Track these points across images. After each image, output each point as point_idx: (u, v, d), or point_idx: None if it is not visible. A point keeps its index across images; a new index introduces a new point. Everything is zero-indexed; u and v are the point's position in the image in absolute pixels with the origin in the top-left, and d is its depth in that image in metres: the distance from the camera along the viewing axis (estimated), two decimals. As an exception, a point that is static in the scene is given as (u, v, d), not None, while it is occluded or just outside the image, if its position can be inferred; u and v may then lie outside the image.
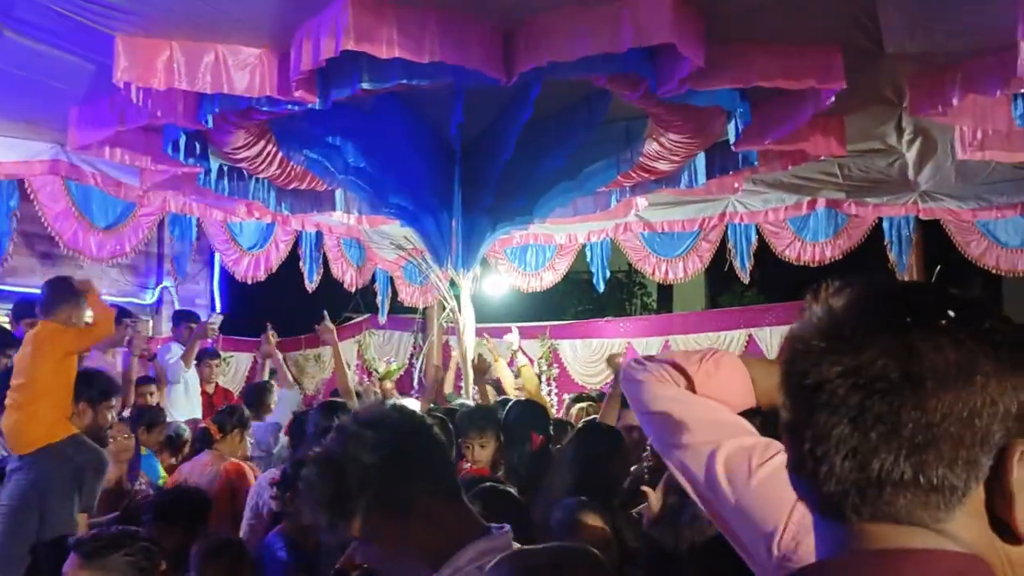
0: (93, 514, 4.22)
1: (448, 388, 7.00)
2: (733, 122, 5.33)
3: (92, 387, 4.34)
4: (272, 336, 6.51)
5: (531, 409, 4.35)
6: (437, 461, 1.71)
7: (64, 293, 4.23)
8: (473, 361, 6.31)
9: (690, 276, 8.85)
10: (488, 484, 2.79)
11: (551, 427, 4.50)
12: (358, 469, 1.59)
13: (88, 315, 4.40)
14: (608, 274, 9.22)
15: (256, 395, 6.15)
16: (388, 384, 7.93)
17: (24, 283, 7.47)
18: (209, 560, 3.36)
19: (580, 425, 3.77)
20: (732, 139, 5.43)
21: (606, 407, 4.48)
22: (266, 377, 6.95)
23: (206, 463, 4.92)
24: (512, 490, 2.85)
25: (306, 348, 10.27)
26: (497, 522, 1.69)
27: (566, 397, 7.69)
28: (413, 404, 7.47)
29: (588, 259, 9.23)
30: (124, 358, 6.74)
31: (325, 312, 6.02)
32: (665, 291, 14.85)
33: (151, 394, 6.38)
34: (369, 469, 1.59)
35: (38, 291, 7.32)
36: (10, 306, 7.16)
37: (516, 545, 1.68)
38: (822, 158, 6.11)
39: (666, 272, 8.78)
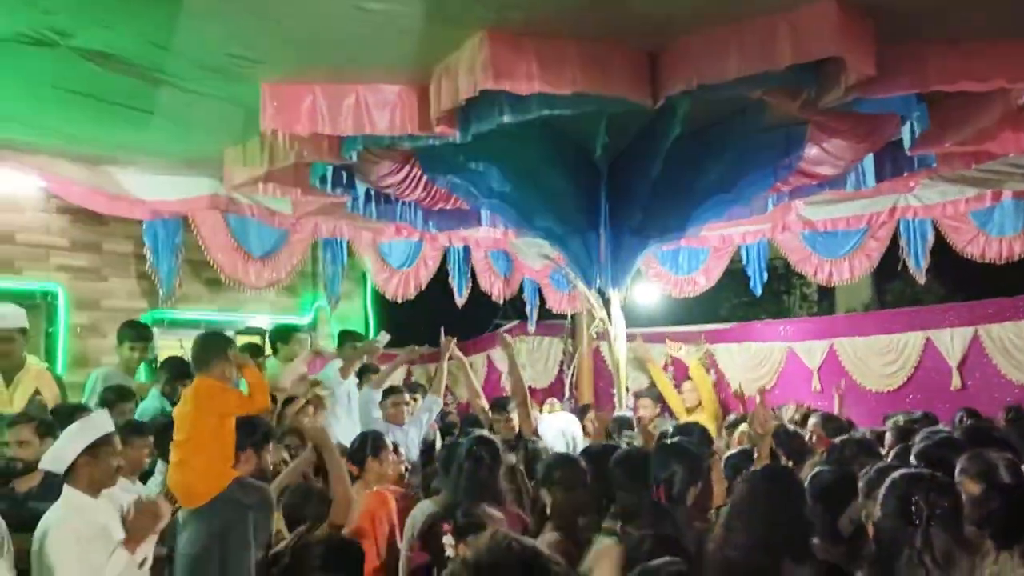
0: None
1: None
2: (908, 124, 4.85)
3: (255, 433, 4.42)
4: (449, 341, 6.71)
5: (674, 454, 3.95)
6: None
7: (216, 349, 4.26)
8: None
9: (856, 277, 8.25)
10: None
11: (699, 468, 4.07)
12: None
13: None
14: (766, 276, 8.74)
15: None
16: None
17: (193, 309, 7.84)
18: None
19: (757, 471, 3.42)
20: (907, 144, 4.94)
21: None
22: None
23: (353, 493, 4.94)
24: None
25: (457, 358, 10.35)
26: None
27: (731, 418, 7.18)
28: (567, 417, 7.36)
29: (744, 260, 8.77)
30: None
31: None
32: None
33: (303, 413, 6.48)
34: None
35: (206, 316, 7.78)
36: (182, 332, 7.57)
37: None
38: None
39: (829, 274, 8.21)
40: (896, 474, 2.84)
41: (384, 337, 7.08)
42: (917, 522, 2.40)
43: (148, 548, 3.94)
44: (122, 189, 6.06)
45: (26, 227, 7.00)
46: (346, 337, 7.46)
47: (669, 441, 4.18)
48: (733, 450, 5.09)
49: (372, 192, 6.34)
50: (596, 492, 4.00)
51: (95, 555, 3.67)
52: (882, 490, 2.81)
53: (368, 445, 4.98)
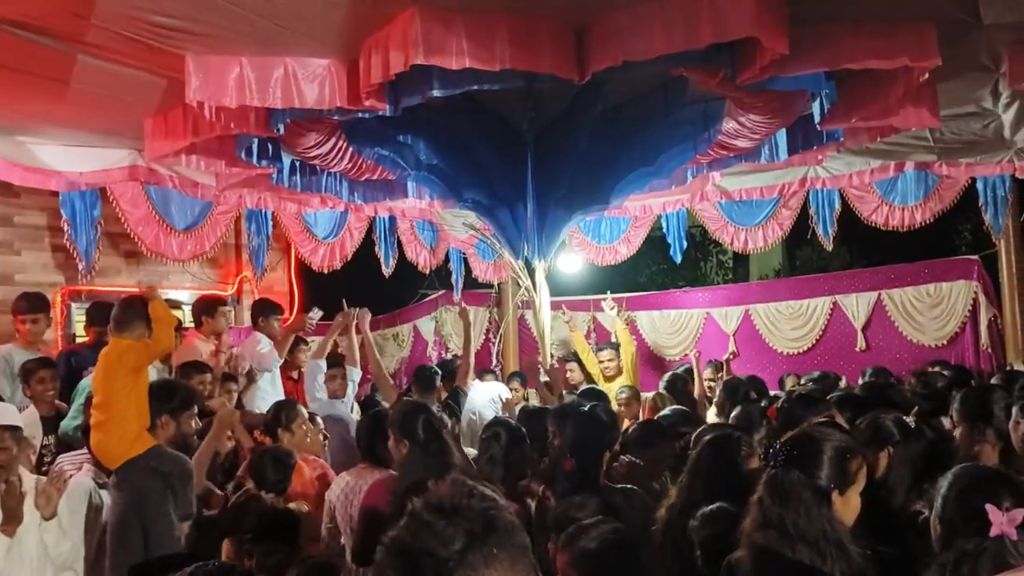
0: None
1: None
2: (818, 101, 5.09)
3: (173, 399, 4.36)
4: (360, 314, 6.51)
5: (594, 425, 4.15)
6: (516, 547, 1.65)
7: (134, 312, 4.25)
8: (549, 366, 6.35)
9: (770, 245, 8.59)
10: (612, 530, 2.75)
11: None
12: (433, 563, 1.53)
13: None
14: (685, 243, 9.01)
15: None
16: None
17: (111, 283, 7.66)
18: (307, 585, 3.41)
19: (711, 437, 3.63)
20: (817, 118, 5.18)
21: None
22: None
23: None
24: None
25: (384, 328, 10.39)
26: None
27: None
28: (498, 384, 7.50)
29: (664, 228, 9.02)
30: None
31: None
32: (742, 249, 14.48)
33: (233, 391, 6.43)
34: (445, 562, 1.53)
35: (124, 291, 7.60)
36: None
37: None
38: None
39: (745, 242, 8.52)
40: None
41: (316, 313, 6.98)
42: (771, 465, 2.56)
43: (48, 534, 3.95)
44: (37, 160, 5.88)
45: (-68, 201, 6.77)
46: (261, 307, 7.37)
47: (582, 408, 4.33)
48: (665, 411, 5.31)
49: (297, 163, 6.31)
50: (532, 451, 4.20)
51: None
52: None
53: (281, 416, 5.01)
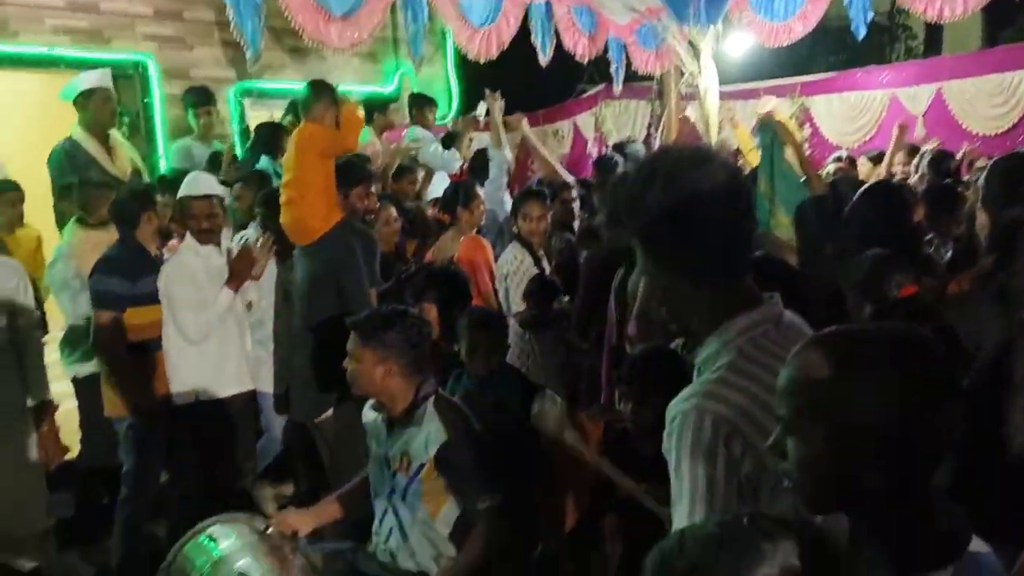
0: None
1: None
2: None
3: (344, 174, 4.52)
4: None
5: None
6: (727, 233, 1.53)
7: (319, 94, 4.43)
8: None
9: (971, 11, 7.57)
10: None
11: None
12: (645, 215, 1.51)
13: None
14: (871, 15, 8.11)
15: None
16: None
17: (276, 78, 7.85)
18: (478, 330, 3.59)
19: (868, 187, 3.50)
20: None
21: None
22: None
23: (448, 239, 5.16)
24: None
25: (544, 123, 10.19)
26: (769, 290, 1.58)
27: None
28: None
29: (846, 2, 8.14)
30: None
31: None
32: (934, 33, 13.00)
33: (416, 182, 6.54)
34: (657, 222, 1.49)
35: (290, 86, 7.79)
36: (267, 101, 7.67)
37: (787, 313, 1.58)
38: None
39: (940, 9, 7.54)
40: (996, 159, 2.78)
41: (496, 99, 6.64)
42: None
43: (249, 293, 4.27)
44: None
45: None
46: (416, 100, 7.41)
47: None
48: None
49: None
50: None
51: (207, 290, 4.02)
52: (983, 176, 2.75)
53: (460, 195, 5.17)
